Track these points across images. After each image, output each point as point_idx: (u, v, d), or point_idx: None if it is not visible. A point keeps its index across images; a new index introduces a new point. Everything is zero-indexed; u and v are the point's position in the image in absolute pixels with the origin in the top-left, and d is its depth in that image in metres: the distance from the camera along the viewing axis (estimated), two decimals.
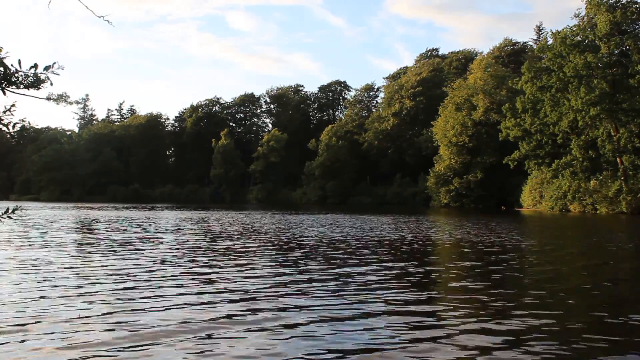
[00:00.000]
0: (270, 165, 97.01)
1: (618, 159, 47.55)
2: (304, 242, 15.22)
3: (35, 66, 4.80)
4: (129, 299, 6.83)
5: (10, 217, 5.07)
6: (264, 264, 10.48)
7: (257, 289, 7.70)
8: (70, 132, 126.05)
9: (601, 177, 47.78)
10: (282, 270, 9.61)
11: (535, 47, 68.20)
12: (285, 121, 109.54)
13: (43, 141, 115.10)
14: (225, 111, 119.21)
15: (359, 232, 19.69)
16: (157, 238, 16.10)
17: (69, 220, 25.99)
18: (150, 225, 22.76)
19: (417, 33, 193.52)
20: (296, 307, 6.50)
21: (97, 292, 7.32)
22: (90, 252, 12.13)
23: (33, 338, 5.04)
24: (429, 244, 15.70)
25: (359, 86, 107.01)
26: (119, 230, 19.15)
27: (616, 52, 50.14)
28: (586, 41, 49.76)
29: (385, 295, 7.35)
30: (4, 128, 4.83)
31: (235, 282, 8.30)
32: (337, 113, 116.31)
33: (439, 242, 16.22)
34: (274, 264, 10.49)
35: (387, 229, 21.75)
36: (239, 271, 9.41)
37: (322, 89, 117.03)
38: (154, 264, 10.24)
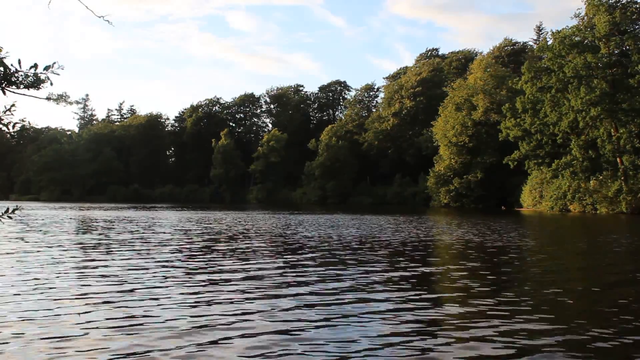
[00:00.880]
0: (270, 165, 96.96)
1: (618, 159, 47.53)
2: (304, 242, 15.21)
3: (35, 66, 4.80)
4: (130, 300, 6.83)
5: (10, 217, 5.07)
6: (264, 263, 10.48)
7: (257, 289, 7.70)
8: (70, 132, 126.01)
9: (601, 177, 47.75)
10: (282, 270, 9.61)
11: (535, 47, 68.15)
12: (285, 121, 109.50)
13: (43, 141, 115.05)
14: (225, 111, 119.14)
15: (359, 232, 19.69)
16: (158, 238, 16.09)
17: (70, 221, 25.98)
18: (150, 225, 22.75)
19: (417, 33, 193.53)
20: (296, 307, 6.50)
21: (98, 292, 7.32)
22: (91, 253, 12.13)
23: (33, 338, 5.04)
24: (429, 244, 15.69)
25: (359, 86, 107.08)
26: (120, 231, 19.14)
27: (616, 52, 50.12)
28: (586, 41, 49.73)
29: (385, 295, 7.34)
30: (4, 128, 4.83)
31: (235, 282, 8.29)
32: (337, 113, 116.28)
33: (439, 242, 16.22)
34: (274, 263, 10.49)
35: (387, 229, 21.74)
36: (239, 271, 9.41)
37: (322, 89, 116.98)
38: (155, 264, 10.24)
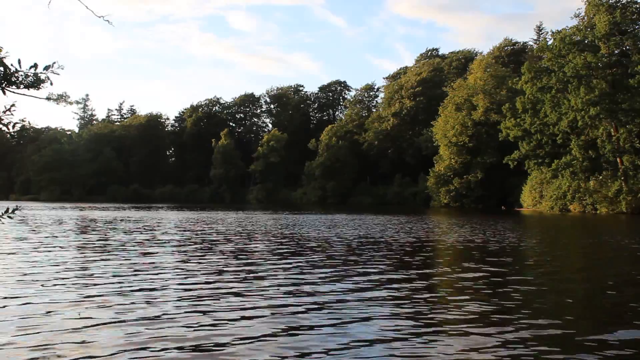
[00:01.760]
0: (270, 165, 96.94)
1: (618, 159, 47.54)
2: (304, 243, 15.21)
3: (35, 66, 4.80)
4: (130, 300, 6.83)
5: (10, 217, 5.07)
6: (264, 263, 10.48)
7: (257, 289, 7.70)
8: (70, 132, 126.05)
9: (601, 177, 47.76)
10: (282, 270, 9.60)
11: (535, 47, 68.13)
12: (285, 121, 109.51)
13: (43, 141, 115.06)
14: (225, 111, 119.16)
15: (359, 232, 19.69)
16: (158, 239, 16.09)
17: (70, 221, 25.97)
18: (151, 225, 22.75)
19: (417, 33, 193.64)
20: (296, 307, 6.50)
21: (98, 293, 7.31)
22: (91, 253, 12.13)
23: (33, 338, 5.04)
24: (429, 244, 15.69)
25: (359, 86, 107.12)
26: (120, 231, 19.14)
27: (616, 52, 50.14)
28: (586, 41, 49.75)
29: (385, 295, 7.34)
30: (4, 128, 4.83)
31: (235, 282, 8.29)
32: (337, 113, 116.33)
33: (439, 243, 16.21)
34: (274, 264, 10.49)
35: (387, 229, 21.74)
36: (239, 271, 9.41)
37: (322, 89, 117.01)
38: (155, 264, 10.24)
